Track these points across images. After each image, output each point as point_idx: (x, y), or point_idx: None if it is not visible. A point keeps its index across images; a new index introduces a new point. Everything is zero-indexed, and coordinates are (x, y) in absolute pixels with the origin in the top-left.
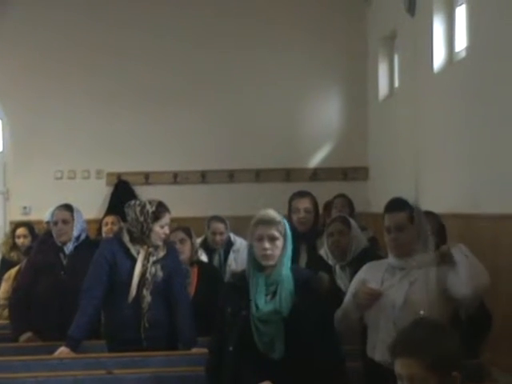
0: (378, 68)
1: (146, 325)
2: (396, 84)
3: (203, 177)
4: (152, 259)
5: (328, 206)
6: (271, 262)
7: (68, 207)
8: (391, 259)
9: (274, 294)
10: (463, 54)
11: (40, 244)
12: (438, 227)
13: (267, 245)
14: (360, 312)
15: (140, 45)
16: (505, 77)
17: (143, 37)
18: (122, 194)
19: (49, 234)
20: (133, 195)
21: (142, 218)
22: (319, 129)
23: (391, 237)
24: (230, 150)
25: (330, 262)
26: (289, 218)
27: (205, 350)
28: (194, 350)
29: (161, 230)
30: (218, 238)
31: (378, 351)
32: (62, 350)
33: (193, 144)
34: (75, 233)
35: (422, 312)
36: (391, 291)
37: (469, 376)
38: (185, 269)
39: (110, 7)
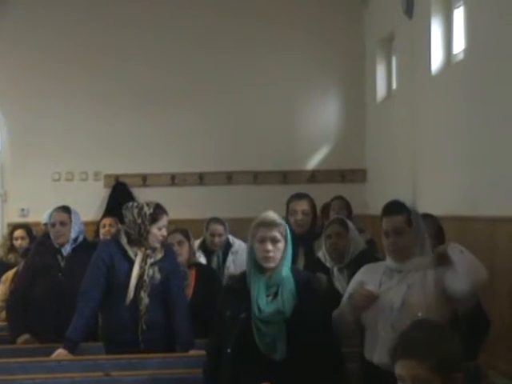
0: (376, 70)
1: (144, 327)
2: (394, 86)
3: (201, 179)
4: (150, 261)
5: (326, 208)
6: (272, 264)
7: (66, 209)
8: (389, 261)
9: (275, 295)
10: (461, 56)
11: (38, 246)
12: (436, 229)
13: (270, 247)
14: (355, 314)
15: (139, 46)
16: (503, 78)
17: (142, 37)
18: (119, 195)
19: (46, 235)
20: (130, 197)
21: (139, 220)
22: (317, 131)
23: (390, 241)
24: (227, 151)
25: (328, 264)
26: (286, 220)
27: (202, 352)
28: (192, 352)
29: (158, 232)
30: (216, 239)
31: (377, 353)
32: (60, 352)
33: (191, 146)
34: (73, 235)
35: (419, 314)
36: (389, 293)
37: (466, 378)
38: (183, 271)
39: (110, 7)
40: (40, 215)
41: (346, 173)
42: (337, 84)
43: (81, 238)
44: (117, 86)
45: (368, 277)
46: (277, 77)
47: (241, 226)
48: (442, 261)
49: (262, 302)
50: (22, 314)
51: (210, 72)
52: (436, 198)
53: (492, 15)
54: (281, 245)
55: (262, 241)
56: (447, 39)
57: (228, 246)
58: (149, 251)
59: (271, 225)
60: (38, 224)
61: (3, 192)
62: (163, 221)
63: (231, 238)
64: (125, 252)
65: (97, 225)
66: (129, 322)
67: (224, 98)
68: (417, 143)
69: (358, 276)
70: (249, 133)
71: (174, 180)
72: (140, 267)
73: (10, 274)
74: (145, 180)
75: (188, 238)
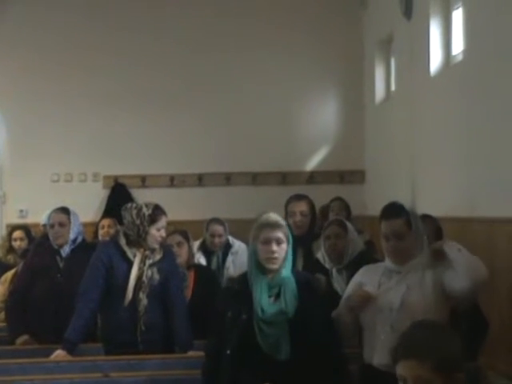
0: (375, 71)
1: (143, 328)
2: (392, 87)
3: (200, 180)
4: (148, 262)
5: (324, 210)
6: (276, 266)
7: (64, 210)
8: (388, 263)
9: (277, 295)
10: (460, 58)
11: (36, 247)
12: (435, 230)
13: (275, 247)
14: (352, 315)
15: (138, 47)
16: (501, 80)
17: (142, 39)
18: (118, 196)
19: (45, 236)
20: (129, 198)
21: (138, 221)
22: (316, 132)
23: (390, 245)
24: (226, 152)
25: (327, 265)
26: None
27: (201, 353)
28: (191, 353)
29: (157, 232)
30: (216, 240)
31: (376, 354)
32: (59, 353)
33: (190, 147)
34: (72, 236)
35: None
36: (388, 294)
37: (466, 379)
38: (182, 272)
39: (110, 9)
40: (39, 216)
41: (344, 174)
42: (336, 85)
43: (80, 239)
44: (116, 88)
45: (367, 278)
46: (276, 78)
47: (240, 227)
48: (438, 257)
49: (265, 303)
50: (21, 314)
51: (209, 73)
52: (435, 199)
53: (491, 16)
54: (284, 246)
55: (267, 242)
56: (446, 40)
57: (228, 246)
58: (147, 252)
59: (275, 226)
60: (36, 225)
61: (2, 193)
62: (162, 222)
63: (231, 239)
64: (123, 253)
65: (96, 226)
66: (127, 322)
67: (223, 100)
68: (415, 144)
69: (357, 277)
70: (248, 134)
71: (172, 181)
72: (139, 268)
73: (9, 274)
74: (144, 181)
75: (187, 240)
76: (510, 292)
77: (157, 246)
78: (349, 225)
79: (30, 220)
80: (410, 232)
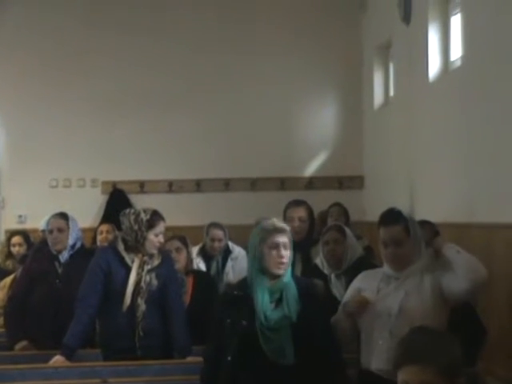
0: (373, 76)
1: (141, 333)
2: (391, 93)
3: (198, 185)
4: (147, 268)
5: (323, 215)
6: (283, 271)
7: (63, 215)
8: (386, 268)
9: (279, 300)
10: (458, 63)
11: (35, 252)
12: (434, 236)
13: (284, 252)
14: (350, 320)
15: (137, 52)
16: (500, 85)
17: (141, 43)
18: (117, 202)
19: (44, 242)
20: (128, 204)
21: (136, 227)
22: (315, 137)
23: (389, 251)
24: (225, 158)
25: (326, 270)
26: None
27: (200, 359)
28: (189, 359)
29: (155, 238)
30: (216, 244)
31: (374, 360)
32: (57, 359)
33: (188, 152)
34: (70, 241)
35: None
36: (387, 300)
37: None
38: (180, 278)
39: (109, 13)
40: (38, 222)
41: (343, 179)
42: (334, 90)
43: (78, 245)
44: (114, 93)
45: (365, 284)
46: (274, 83)
47: (239, 233)
48: (439, 255)
49: (268, 309)
50: (20, 320)
51: (207, 78)
52: (433, 205)
53: (489, 22)
54: (289, 251)
55: (276, 247)
56: (444, 46)
57: (228, 252)
58: (146, 258)
59: (282, 231)
60: (35, 230)
61: (1, 198)
62: (160, 227)
63: (231, 245)
64: (122, 259)
65: (94, 231)
66: (126, 328)
67: (221, 105)
68: (414, 150)
69: (356, 283)
70: (246, 139)
71: (171, 187)
72: (137, 274)
73: (8, 280)
74: (142, 187)
75: (186, 245)
76: (508, 297)
77: (155, 252)
78: (347, 230)
79: (28, 225)
80: (408, 238)
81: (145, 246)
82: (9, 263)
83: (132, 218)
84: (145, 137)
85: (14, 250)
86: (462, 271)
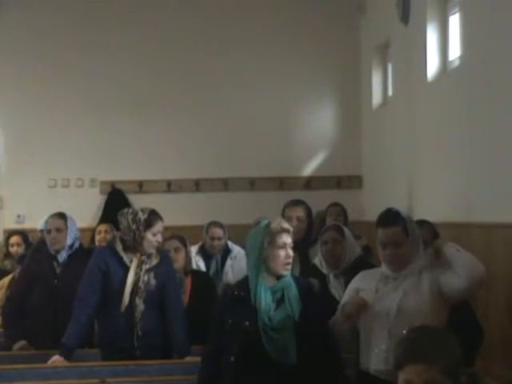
0: (372, 77)
1: (139, 333)
2: (390, 93)
3: (197, 185)
4: (145, 267)
5: (321, 215)
6: (288, 271)
7: (62, 215)
8: (384, 268)
9: (280, 300)
10: (457, 63)
11: (33, 252)
12: (433, 235)
13: (291, 253)
14: (349, 322)
15: (136, 52)
16: (498, 85)
17: (140, 44)
18: (115, 202)
19: (42, 242)
20: (127, 204)
21: (134, 226)
22: (313, 137)
23: (388, 253)
24: (224, 158)
25: (324, 270)
26: None
27: (199, 359)
28: (188, 359)
29: (153, 237)
30: (216, 243)
31: (374, 360)
32: (56, 359)
33: (187, 152)
34: (69, 241)
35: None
36: (385, 300)
37: None
38: (179, 277)
39: (107, 14)
40: (36, 221)
41: (342, 179)
42: (333, 90)
43: (77, 245)
44: (113, 93)
45: (364, 284)
46: (273, 83)
47: (237, 232)
48: (439, 254)
49: (271, 310)
50: (18, 320)
51: (206, 79)
52: (432, 205)
53: (487, 22)
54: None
55: (284, 247)
56: (443, 46)
57: (227, 251)
58: (144, 257)
59: (289, 231)
60: (34, 230)
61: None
62: (158, 226)
63: (230, 244)
64: (120, 259)
65: (93, 231)
66: (124, 328)
67: (220, 105)
68: (412, 150)
69: (354, 283)
70: (245, 139)
71: (170, 186)
72: (135, 273)
73: (6, 280)
74: (141, 186)
75: (184, 245)
76: (507, 297)
77: (153, 251)
78: (346, 230)
79: (27, 225)
80: (407, 239)
81: (143, 245)
82: (7, 263)
83: (130, 217)
84: (144, 137)
85: (13, 249)
86: (461, 269)
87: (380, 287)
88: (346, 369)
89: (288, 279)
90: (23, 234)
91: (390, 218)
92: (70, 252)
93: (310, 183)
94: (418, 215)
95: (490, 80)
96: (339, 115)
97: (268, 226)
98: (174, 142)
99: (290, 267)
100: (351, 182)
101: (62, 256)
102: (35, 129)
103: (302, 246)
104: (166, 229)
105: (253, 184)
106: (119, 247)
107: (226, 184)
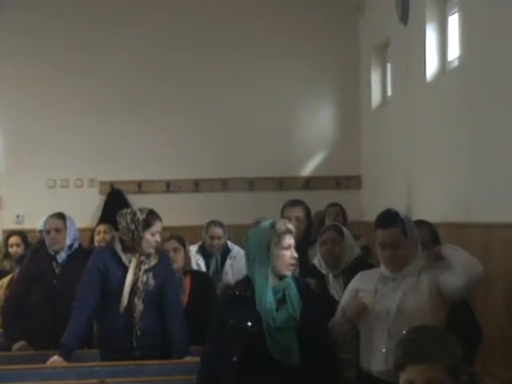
0: (371, 77)
1: (138, 334)
2: (389, 93)
3: (196, 185)
4: (144, 268)
5: (320, 215)
6: (291, 272)
7: (61, 216)
8: (383, 269)
9: (281, 301)
10: (456, 63)
11: (33, 253)
12: (432, 236)
13: (296, 254)
14: (349, 325)
15: (135, 52)
16: (498, 86)
17: (139, 44)
18: (114, 202)
19: (42, 242)
20: (126, 204)
21: (132, 226)
22: (312, 138)
23: (386, 254)
24: (223, 158)
25: (323, 270)
26: None
27: (198, 359)
28: (187, 359)
29: (152, 237)
30: (215, 242)
31: (374, 361)
32: (55, 359)
33: (186, 152)
34: (68, 241)
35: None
36: (384, 300)
37: None
38: (178, 277)
39: (107, 14)
40: (35, 222)
41: (341, 179)
42: (332, 91)
43: (76, 245)
44: (112, 93)
45: (363, 284)
46: (272, 84)
47: (237, 233)
48: (438, 257)
49: (273, 311)
50: (17, 320)
51: (205, 79)
52: (431, 205)
53: (487, 22)
54: None
55: (289, 248)
56: (442, 46)
57: (227, 250)
58: (143, 257)
59: (292, 232)
60: (33, 231)
61: None
62: (156, 226)
63: (230, 244)
64: (119, 259)
65: (92, 232)
66: (123, 328)
67: (219, 105)
68: (412, 150)
69: (353, 284)
70: (244, 139)
71: (169, 187)
72: (134, 274)
73: (5, 280)
74: (140, 187)
75: (184, 245)
76: (506, 296)
77: (152, 251)
78: (345, 230)
79: (26, 226)
80: (405, 240)
81: (141, 245)
82: (6, 263)
83: (128, 217)
84: (143, 137)
85: (12, 250)
86: (459, 268)
87: (379, 288)
88: (346, 369)
89: (289, 279)
90: (22, 234)
91: (389, 218)
92: (69, 252)
93: (309, 183)
94: (416, 215)
95: (490, 80)
96: (338, 115)
97: (273, 226)
98: (173, 142)
99: (293, 268)
100: (350, 182)
101: (61, 256)
102: (34, 129)
103: (300, 247)
104: (165, 229)
105: (252, 184)
106: (118, 247)
107: (225, 184)
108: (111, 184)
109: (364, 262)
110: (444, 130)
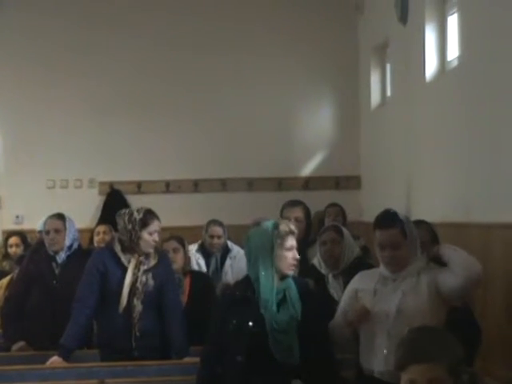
0: (370, 77)
1: (137, 334)
2: (388, 93)
3: (196, 185)
4: (143, 268)
5: (319, 216)
6: (293, 272)
7: (60, 216)
8: (383, 269)
9: (282, 301)
10: (455, 63)
11: (32, 253)
12: (431, 236)
13: (297, 255)
14: (351, 328)
15: (135, 53)
16: (497, 85)
17: (138, 45)
18: (114, 203)
19: (41, 243)
20: (125, 204)
21: (130, 226)
22: (311, 138)
23: (386, 254)
24: (222, 158)
25: (323, 270)
26: None
27: (197, 360)
28: (187, 360)
29: (150, 237)
30: (215, 241)
31: (375, 362)
32: (55, 360)
33: (185, 153)
34: (67, 242)
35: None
36: (384, 301)
37: None
38: (177, 278)
39: (107, 15)
40: (35, 222)
41: (340, 180)
42: (331, 91)
43: (75, 246)
44: (112, 94)
45: (362, 284)
46: (271, 84)
47: (236, 233)
48: (436, 258)
49: (275, 312)
50: (17, 321)
51: (204, 80)
52: (430, 205)
53: (486, 22)
54: None
55: (292, 249)
56: (441, 46)
57: (227, 250)
58: (142, 258)
59: (295, 234)
60: (32, 231)
61: None
62: (154, 225)
63: (230, 244)
64: (118, 259)
65: (91, 232)
66: (122, 329)
67: (219, 105)
68: (411, 150)
69: (353, 284)
70: (243, 140)
71: (168, 187)
72: (133, 274)
73: (5, 281)
74: (139, 187)
75: (183, 246)
76: (505, 297)
77: (150, 251)
78: (345, 230)
79: (25, 226)
80: (405, 241)
81: (139, 245)
82: (5, 264)
83: (126, 218)
84: (142, 137)
85: (11, 250)
86: (457, 268)
87: (379, 288)
88: (346, 369)
89: (289, 280)
90: (22, 234)
91: (388, 219)
92: (68, 253)
93: (308, 184)
94: (416, 215)
95: (489, 80)
96: (338, 115)
97: (276, 227)
98: (172, 142)
99: (294, 269)
100: (350, 182)
101: (61, 257)
102: (34, 129)
103: (300, 247)
104: (164, 229)
105: (251, 184)
106: (117, 248)
107: (224, 184)
108: (111, 184)
109: (363, 262)
110: (443, 130)
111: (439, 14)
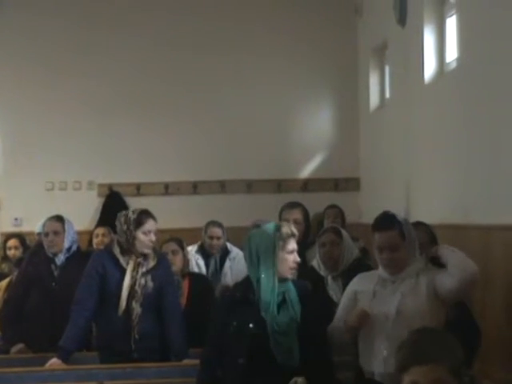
0: (369, 79)
1: (136, 336)
2: (387, 95)
3: (195, 187)
4: (141, 270)
5: (318, 218)
6: (293, 275)
7: (59, 218)
8: (382, 271)
9: (282, 303)
10: (454, 65)
11: (31, 255)
12: (430, 237)
13: (298, 258)
14: (351, 332)
15: (134, 55)
16: (496, 87)
17: (137, 46)
18: (113, 205)
19: (40, 245)
20: (124, 206)
21: (125, 227)
22: (311, 139)
23: (384, 257)
24: (221, 160)
25: (322, 272)
26: None
27: (196, 362)
28: (186, 362)
29: (145, 237)
30: (215, 241)
31: (375, 364)
32: (54, 362)
33: (184, 155)
34: (66, 244)
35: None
36: (384, 303)
37: None
38: (176, 280)
39: (106, 15)
40: (33, 224)
41: (339, 181)
42: (330, 93)
43: (74, 248)
44: (110, 96)
45: (361, 286)
46: (270, 86)
47: (235, 235)
48: (435, 260)
49: (276, 314)
50: (16, 323)
51: (204, 81)
52: (429, 206)
53: (484, 24)
54: None
55: (292, 252)
56: (440, 48)
57: (226, 251)
58: (140, 260)
59: (296, 236)
60: (31, 233)
61: None
62: (149, 225)
63: (229, 245)
64: (117, 261)
65: (90, 234)
66: (122, 331)
67: (218, 107)
68: (410, 151)
69: (352, 286)
70: (242, 141)
71: (167, 189)
72: (131, 277)
73: (4, 283)
74: (138, 189)
75: (182, 248)
76: (505, 298)
77: (147, 251)
78: (344, 232)
79: (24, 228)
80: (403, 243)
81: (135, 245)
82: (4, 266)
83: (122, 219)
84: (141, 139)
85: (10, 252)
86: (453, 269)
87: (378, 290)
88: (345, 371)
89: (288, 282)
90: (21, 236)
91: (386, 221)
92: (67, 255)
93: (307, 185)
94: (415, 217)
95: (487, 82)
96: (337, 117)
97: (278, 229)
98: (171, 144)
99: (294, 271)
100: (349, 184)
101: (60, 259)
102: (33, 131)
103: (299, 249)
104: (163, 231)
105: (250, 186)
106: (116, 250)
107: (223, 186)
108: (110, 186)
109: (363, 263)
110: (442, 132)
111: (438, 16)
